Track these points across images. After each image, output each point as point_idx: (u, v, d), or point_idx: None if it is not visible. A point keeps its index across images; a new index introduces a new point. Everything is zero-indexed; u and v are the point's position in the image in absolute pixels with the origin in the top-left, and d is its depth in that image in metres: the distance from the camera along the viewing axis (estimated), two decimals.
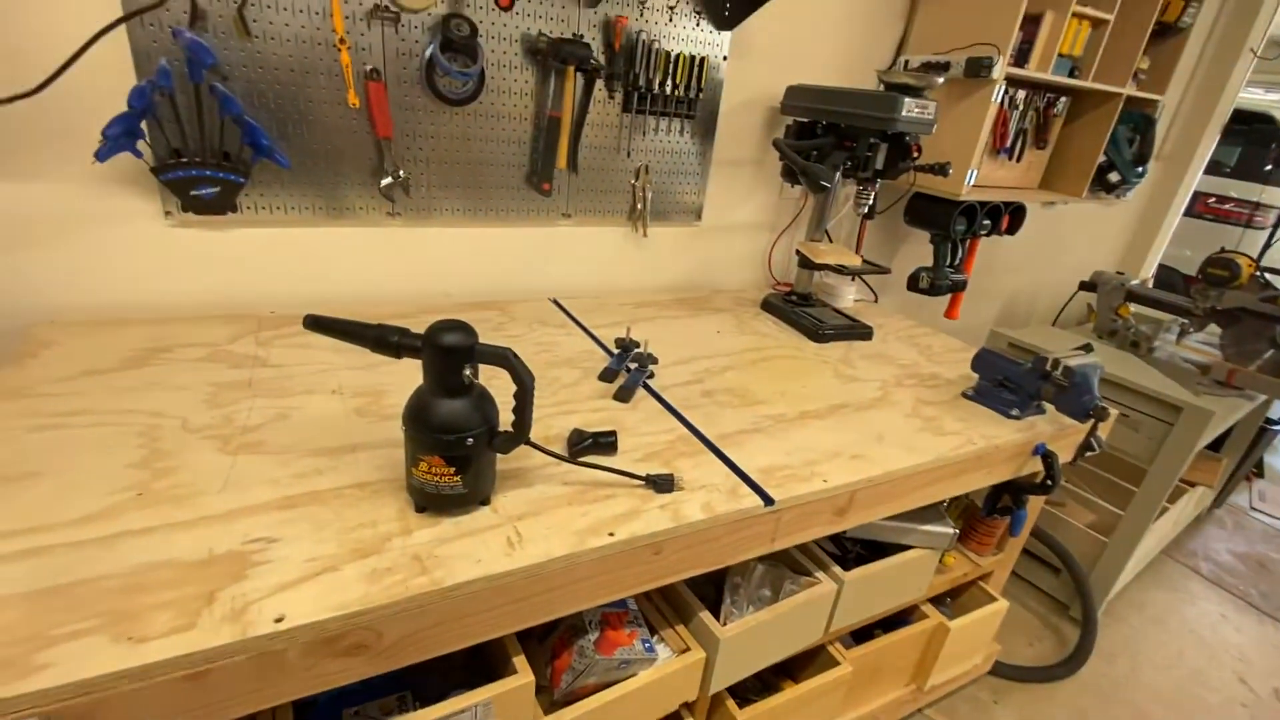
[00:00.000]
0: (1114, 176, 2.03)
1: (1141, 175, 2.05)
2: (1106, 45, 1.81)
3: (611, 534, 0.80)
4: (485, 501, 0.83)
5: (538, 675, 0.92)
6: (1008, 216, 1.94)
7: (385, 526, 0.77)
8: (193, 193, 1.16)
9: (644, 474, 0.90)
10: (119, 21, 0.97)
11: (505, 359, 0.75)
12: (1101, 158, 2.00)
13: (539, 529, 0.80)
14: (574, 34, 1.38)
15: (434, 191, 1.39)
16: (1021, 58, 1.72)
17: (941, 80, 1.36)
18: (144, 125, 1.07)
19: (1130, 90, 1.91)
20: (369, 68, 1.23)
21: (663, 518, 0.85)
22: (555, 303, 1.57)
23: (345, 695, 0.84)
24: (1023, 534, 1.53)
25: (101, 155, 1.04)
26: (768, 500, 0.92)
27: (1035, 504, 1.50)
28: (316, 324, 0.78)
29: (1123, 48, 1.88)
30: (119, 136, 1.05)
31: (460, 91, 1.31)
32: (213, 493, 0.79)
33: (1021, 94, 1.87)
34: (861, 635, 1.43)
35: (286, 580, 0.67)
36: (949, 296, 2.18)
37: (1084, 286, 2.43)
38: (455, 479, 0.77)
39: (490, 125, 1.38)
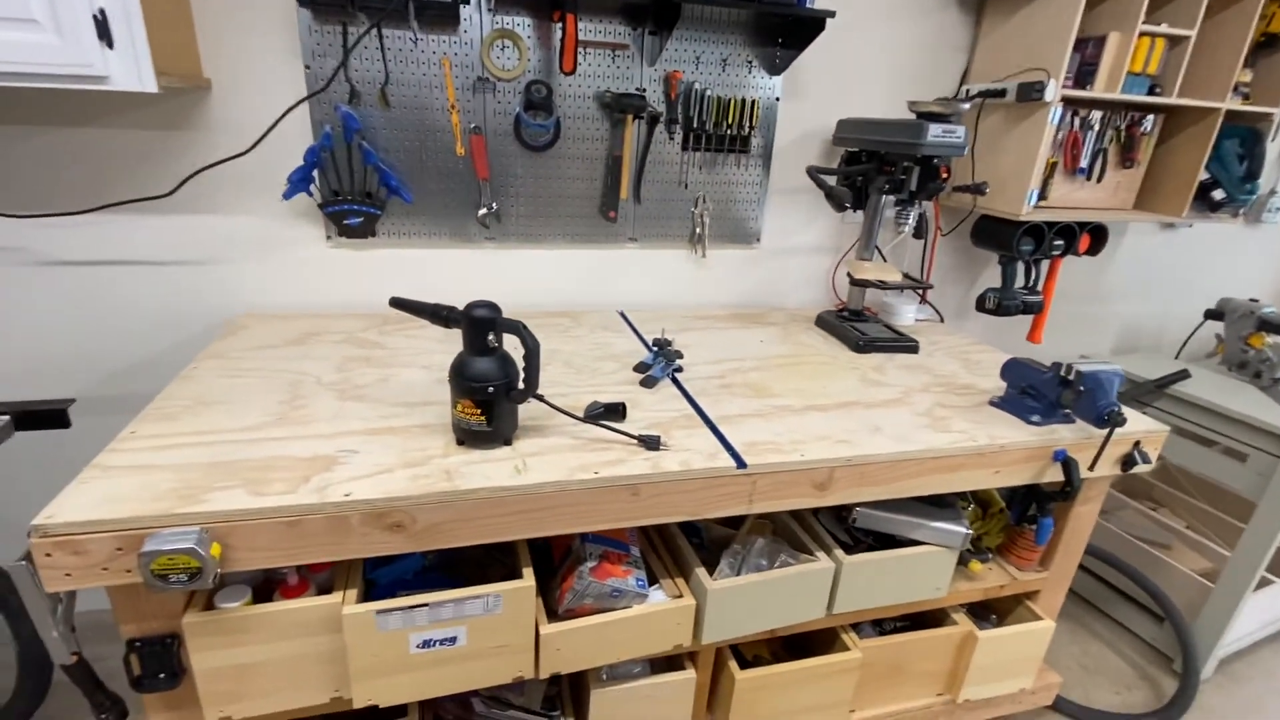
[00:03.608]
0: (1218, 195, 1.91)
1: (1252, 193, 1.91)
2: (1194, 60, 1.76)
3: (596, 472, 1.01)
4: (508, 441, 1.08)
5: (549, 598, 1.15)
6: (1087, 237, 1.91)
7: (432, 450, 1.04)
8: (345, 222, 1.56)
9: (637, 434, 1.10)
10: (299, 103, 1.40)
11: (517, 329, 1.00)
12: (1204, 175, 1.90)
13: (542, 464, 1.03)
14: (637, 89, 1.66)
15: (521, 220, 1.71)
16: (1085, 79, 1.73)
17: (967, 106, 1.45)
18: (315, 174, 1.49)
19: (1232, 105, 1.82)
20: (473, 125, 1.59)
21: (642, 466, 1.04)
22: (621, 314, 1.82)
23: (403, 583, 1.11)
24: (1070, 549, 1.49)
25: (286, 195, 1.47)
26: (741, 463, 1.08)
27: (1082, 520, 1.46)
28: (398, 303, 1.08)
29: (1216, 62, 1.80)
30: (298, 182, 1.47)
31: (541, 140, 1.63)
32: (324, 421, 1.11)
33: (1097, 114, 1.85)
34: (884, 629, 1.48)
35: (358, 474, 0.96)
36: (1031, 320, 2.14)
37: (1209, 315, 2.25)
38: (481, 419, 1.02)
39: (566, 165, 1.69)
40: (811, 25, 1.58)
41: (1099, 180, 1.93)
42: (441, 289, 1.73)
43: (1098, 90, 1.72)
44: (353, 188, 1.55)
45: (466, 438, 1.05)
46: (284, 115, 1.39)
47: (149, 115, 1.41)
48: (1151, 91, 1.78)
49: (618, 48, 1.61)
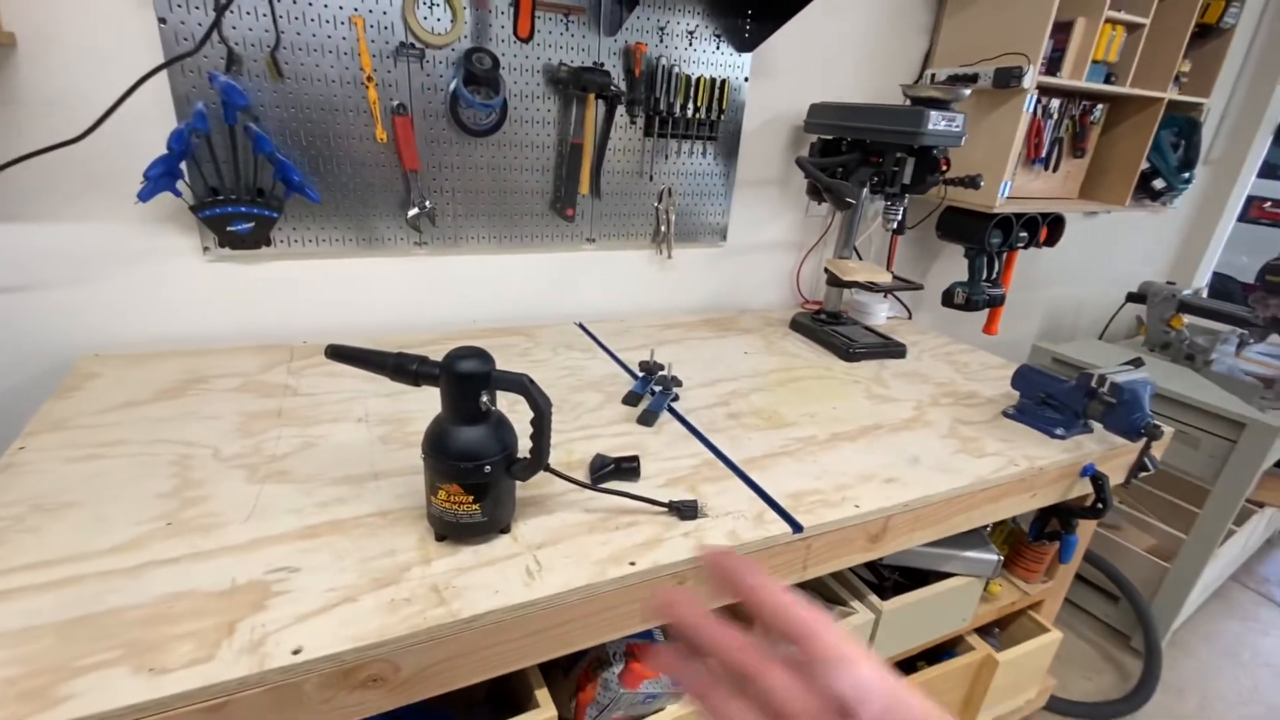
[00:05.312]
0: (1159, 184, 1.95)
1: (1188, 181, 1.97)
2: (1144, 49, 1.76)
3: (632, 563, 0.78)
4: (505, 530, 0.82)
5: (562, 709, 0.90)
6: (1045, 228, 1.88)
7: (404, 556, 0.76)
8: (229, 228, 1.20)
9: (667, 500, 0.88)
10: (158, 69, 1.02)
11: (522, 385, 0.75)
12: (1145, 165, 1.93)
13: (558, 558, 0.78)
14: (595, 62, 1.40)
15: (460, 220, 1.41)
16: (1053, 66, 1.68)
17: (968, 92, 1.33)
18: (183, 166, 1.12)
19: (1172, 94, 1.85)
20: (395, 103, 1.26)
21: (686, 546, 0.82)
22: (581, 326, 1.57)
23: None
24: (1074, 560, 1.45)
25: (144, 196, 1.09)
26: (796, 527, 0.89)
27: (1087, 528, 1.42)
28: (338, 354, 0.79)
29: (1162, 51, 1.82)
30: (160, 177, 1.09)
31: (484, 122, 1.34)
32: (238, 522, 0.79)
33: (1056, 103, 1.82)
34: (904, 667, 1.37)
35: (305, 611, 0.67)
36: (987, 312, 2.11)
37: (1132, 298, 2.34)
38: (474, 507, 0.76)
39: (514, 154, 1.40)
40: None
41: (1054, 170, 1.92)
42: (363, 308, 1.40)
43: (1065, 77, 1.68)
44: (238, 184, 1.18)
45: (451, 531, 0.78)
46: (134, 88, 1.01)
47: None
48: (1107, 80, 1.77)
49: (572, 11, 1.34)
